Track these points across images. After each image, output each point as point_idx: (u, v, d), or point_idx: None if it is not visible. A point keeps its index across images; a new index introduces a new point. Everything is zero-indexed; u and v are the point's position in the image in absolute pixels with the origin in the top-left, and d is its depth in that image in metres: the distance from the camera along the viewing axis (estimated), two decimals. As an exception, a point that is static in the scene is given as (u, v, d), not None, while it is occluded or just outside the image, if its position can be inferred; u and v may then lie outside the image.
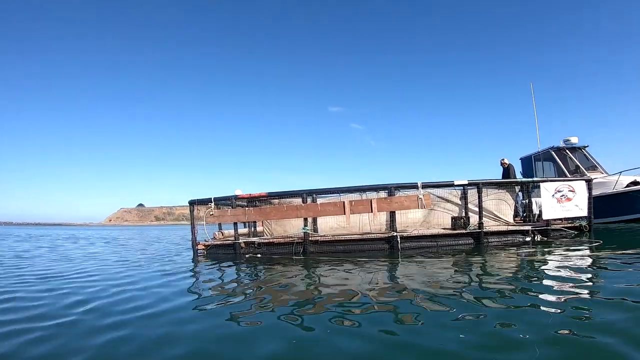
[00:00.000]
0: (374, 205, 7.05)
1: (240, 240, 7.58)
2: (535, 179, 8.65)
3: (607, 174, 11.01)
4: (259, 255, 7.21)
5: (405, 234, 7.21)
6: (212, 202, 7.83)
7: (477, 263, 5.50)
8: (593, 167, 11.35)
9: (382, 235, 7.27)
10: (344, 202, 7.08)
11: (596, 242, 6.64)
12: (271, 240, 7.51)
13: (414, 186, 7.28)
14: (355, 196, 7.60)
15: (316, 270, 5.29)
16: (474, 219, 7.63)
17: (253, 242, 7.56)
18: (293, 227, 8.01)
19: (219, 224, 9.18)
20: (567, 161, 11.51)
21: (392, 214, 7.23)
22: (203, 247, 7.91)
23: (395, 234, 7.08)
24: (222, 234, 9.11)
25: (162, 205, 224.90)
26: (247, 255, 7.30)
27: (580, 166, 11.24)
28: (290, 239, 7.38)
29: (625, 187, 10.38)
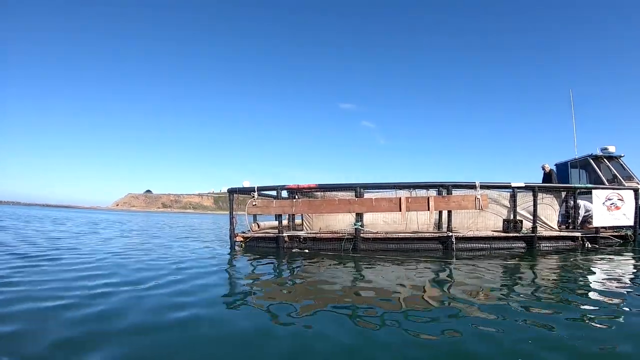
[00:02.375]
0: (432, 203, 6.76)
1: (284, 234, 7.23)
2: (588, 185, 8.44)
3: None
4: (306, 251, 6.86)
5: (460, 234, 6.93)
6: (255, 192, 7.46)
7: (540, 269, 5.30)
8: (629, 177, 11.20)
9: (437, 235, 6.99)
10: (400, 199, 6.77)
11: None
12: (319, 235, 7.17)
13: (471, 186, 7.02)
14: (404, 193, 7.34)
15: (374, 269, 4.99)
16: (522, 222, 7.41)
17: (298, 236, 7.21)
18: (336, 222, 7.69)
19: (254, 215, 8.77)
20: (604, 170, 11.38)
21: (449, 214, 6.95)
22: (242, 239, 7.54)
23: (450, 234, 6.80)
24: (258, 226, 8.74)
25: (169, 193, 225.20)
26: (293, 250, 6.96)
27: (618, 175, 11.12)
28: (340, 234, 7.05)
29: None
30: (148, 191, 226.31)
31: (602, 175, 11.19)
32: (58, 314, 2.65)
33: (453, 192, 7.11)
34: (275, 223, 9.57)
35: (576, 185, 8.79)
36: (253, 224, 8.55)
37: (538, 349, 2.13)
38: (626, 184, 10.46)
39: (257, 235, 7.62)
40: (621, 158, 11.70)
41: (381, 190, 7.52)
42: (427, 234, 7.04)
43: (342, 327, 2.52)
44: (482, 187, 7.00)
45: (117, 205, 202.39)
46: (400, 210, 6.77)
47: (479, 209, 6.93)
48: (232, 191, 7.71)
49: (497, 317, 2.71)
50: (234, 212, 7.64)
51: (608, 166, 11.45)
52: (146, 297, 3.20)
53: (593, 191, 7.75)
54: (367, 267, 5.13)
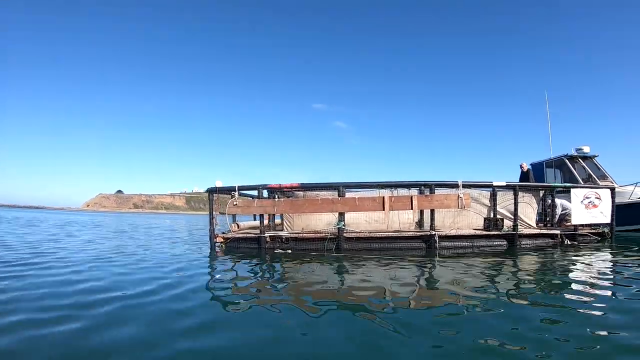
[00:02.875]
0: (415, 202, 6.73)
1: (266, 234, 7.07)
2: (567, 184, 8.61)
3: (616, 183, 11.21)
4: (289, 251, 6.72)
5: (443, 233, 6.93)
6: (235, 191, 7.27)
7: (527, 267, 5.35)
8: (603, 177, 11.55)
9: (420, 233, 6.96)
10: (383, 198, 6.72)
11: (631, 248, 6.68)
12: (302, 235, 7.04)
13: (453, 185, 7.04)
14: (386, 192, 7.31)
15: (358, 269, 4.88)
16: (503, 221, 7.49)
17: (280, 237, 7.07)
18: (317, 221, 7.58)
19: (233, 215, 8.56)
20: (579, 169, 11.69)
21: (432, 213, 6.94)
22: (222, 240, 7.34)
23: (433, 233, 6.79)
24: (237, 226, 8.54)
25: (141, 193, 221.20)
26: (276, 251, 6.80)
27: (593, 175, 11.43)
28: (323, 234, 6.93)
29: None
30: (119, 191, 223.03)
31: (577, 175, 11.49)
32: (49, 328, 2.40)
33: (436, 191, 7.11)
34: (254, 223, 9.41)
35: (555, 184, 8.97)
36: (233, 224, 8.35)
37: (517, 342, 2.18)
38: (600, 183, 10.77)
39: (237, 235, 7.42)
40: (595, 158, 12.06)
41: (362, 190, 7.46)
42: (410, 233, 7.01)
43: (337, 328, 2.46)
44: (465, 186, 7.02)
45: (88, 205, 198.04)
46: (383, 210, 6.72)
47: (461, 208, 6.95)
48: (211, 191, 7.49)
49: (482, 313, 2.76)
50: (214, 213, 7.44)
51: (583, 166, 11.77)
52: (142, 305, 2.93)
53: (572, 190, 7.91)
54: (351, 267, 5.03)
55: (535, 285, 3.97)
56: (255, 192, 7.65)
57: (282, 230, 7.71)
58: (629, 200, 10.48)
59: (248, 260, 5.76)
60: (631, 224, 10.30)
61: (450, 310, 2.91)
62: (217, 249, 7.15)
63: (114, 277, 4.15)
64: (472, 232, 7.26)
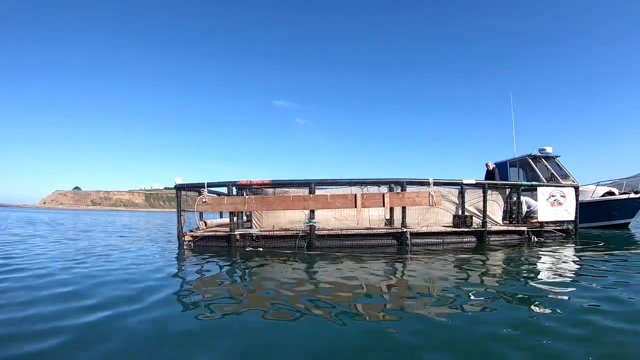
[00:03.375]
0: (387, 199, 6.72)
1: (236, 232, 6.88)
2: (534, 182, 8.87)
3: (577, 183, 11.67)
4: (260, 249, 6.56)
5: (415, 230, 6.97)
6: (205, 188, 7.05)
7: (496, 262, 5.43)
8: (565, 176, 12.01)
9: (392, 231, 6.97)
10: (355, 195, 6.68)
11: (595, 243, 6.93)
12: (273, 232, 6.89)
13: (424, 182, 7.08)
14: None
15: (330, 267, 4.82)
16: (472, 218, 7.63)
17: (251, 234, 6.90)
18: (286, 218, 7.44)
19: (200, 213, 8.29)
20: (542, 168, 12.09)
21: (403, 210, 6.96)
22: (190, 238, 7.09)
23: (405, 230, 6.81)
24: (205, 224, 8.30)
25: (99, 189, 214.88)
26: (247, 249, 6.63)
27: (555, 174, 11.86)
28: (295, 231, 6.81)
29: (602, 196, 11.14)
30: (77, 188, 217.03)
31: (540, 174, 11.89)
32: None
33: (407, 188, 7.13)
34: (221, 221, 9.19)
35: (522, 182, 9.22)
36: (200, 222, 8.11)
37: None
38: (562, 182, 11.20)
39: (207, 234, 7.19)
40: (557, 158, 12.52)
41: (332, 187, 7.42)
42: (382, 230, 7.01)
43: (304, 327, 2.41)
44: (436, 183, 7.08)
45: (45, 203, 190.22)
46: (355, 207, 6.68)
47: (432, 205, 7.00)
48: (179, 187, 7.23)
49: (451, 309, 2.79)
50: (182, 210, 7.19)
51: (546, 165, 12.20)
52: (125, 316, 2.65)
53: (538, 188, 8.16)
54: (324, 265, 4.95)
55: (506, 279, 4.10)
56: (224, 189, 7.46)
57: (250, 227, 7.54)
58: (591, 199, 10.97)
59: (218, 260, 5.54)
60: (593, 221, 10.78)
61: (428, 308, 2.88)
62: (186, 247, 6.90)
63: (87, 281, 3.83)
64: (443, 229, 7.34)
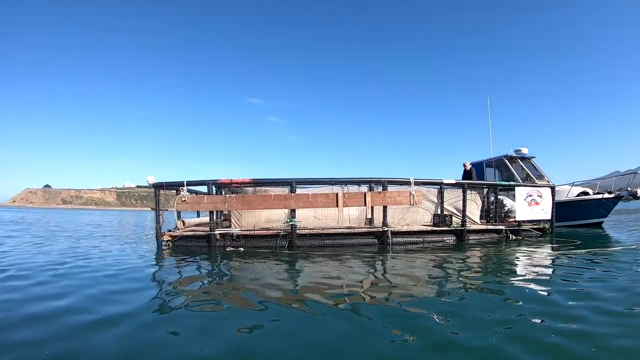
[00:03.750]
0: (368, 199, 6.74)
1: (216, 231, 6.76)
2: (511, 182, 9.06)
3: (552, 183, 12.00)
4: (241, 249, 6.47)
5: (396, 229, 7.01)
6: (184, 187, 6.91)
7: (476, 260, 5.54)
8: (540, 176, 12.31)
9: (373, 229, 6.99)
10: (337, 194, 6.67)
11: (574, 242, 7.13)
12: (254, 232, 6.80)
13: (405, 182, 7.13)
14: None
15: (311, 266, 4.81)
16: (452, 217, 7.74)
17: (231, 234, 6.80)
18: (266, 218, 7.36)
19: (178, 212, 8.08)
20: (517, 169, 12.36)
21: (384, 209, 6.99)
22: (169, 238, 6.94)
23: (386, 229, 6.85)
24: (183, 223, 8.13)
25: (70, 188, 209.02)
26: (227, 249, 6.53)
27: (531, 174, 12.15)
28: (276, 231, 6.75)
29: (576, 196, 11.48)
30: (47, 186, 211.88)
31: (515, 174, 12.16)
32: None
33: (388, 187, 7.16)
34: (200, 220, 9.03)
35: (500, 182, 9.41)
36: (179, 221, 7.95)
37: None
38: (538, 182, 11.48)
39: (186, 233, 7.04)
40: (533, 159, 12.84)
41: (313, 186, 7.40)
42: (364, 229, 7.02)
43: (287, 327, 2.38)
44: (416, 183, 7.14)
45: (14, 201, 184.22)
46: (337, 206, 6.68)
47: (413, 205, 7.06)
48: (157, 186, 7.06)
49: (430, 304, 2.83)
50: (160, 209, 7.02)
51: (521, 166, 12.48)
52: (102, 321, 2.52)
53: (516, 188, 8.34)
54: (305, 265, 4.93)
55: (483, 276, 4.22)
56: (203, 188, 7.33)
57: (228, 227, 7.43)
58: (566, 198, 11.29)
59: (198, 260, 5.42)
60: (568, 220, 11.10)
61: (410, 305, 2.89)
62: (165, 248, 6.74)
63: (61, 282, 3.72)
64: (423, 227, 7.41)
